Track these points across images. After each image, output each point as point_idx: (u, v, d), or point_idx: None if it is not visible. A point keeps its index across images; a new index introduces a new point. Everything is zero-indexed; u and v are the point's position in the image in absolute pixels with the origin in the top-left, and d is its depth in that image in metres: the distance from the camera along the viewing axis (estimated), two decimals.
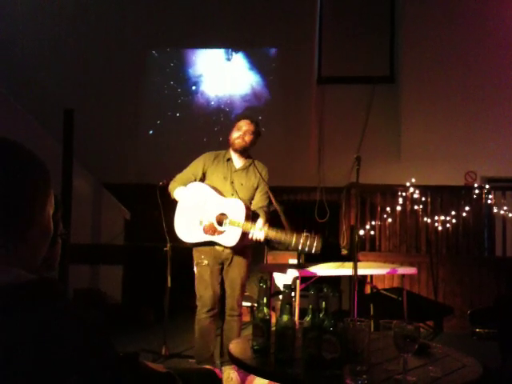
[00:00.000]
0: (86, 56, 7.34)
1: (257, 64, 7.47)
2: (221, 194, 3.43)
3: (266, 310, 2.04)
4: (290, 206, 7.02)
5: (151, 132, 7.46)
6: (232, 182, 3.45)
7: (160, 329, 4.32)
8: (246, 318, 5.87)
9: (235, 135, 3.50)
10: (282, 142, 7.12)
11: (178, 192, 3.48)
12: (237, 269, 3.45)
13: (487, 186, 6.18)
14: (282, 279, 4.26)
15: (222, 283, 3.53)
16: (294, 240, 3.06)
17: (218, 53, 7.56)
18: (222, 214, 3.33)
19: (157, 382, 1.46)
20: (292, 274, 4.06)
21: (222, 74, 7.51)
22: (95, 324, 0.85)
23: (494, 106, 6.92)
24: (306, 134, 7.28)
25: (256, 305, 2.20)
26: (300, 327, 2.04)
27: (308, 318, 1.90)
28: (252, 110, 7.37)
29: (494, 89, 6.93)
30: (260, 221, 3.31)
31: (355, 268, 3.66)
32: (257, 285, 2.16)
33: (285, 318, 1.93)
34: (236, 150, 3.50)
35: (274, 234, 3.17)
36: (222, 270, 3.49)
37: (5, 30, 7.16)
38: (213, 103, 7.46)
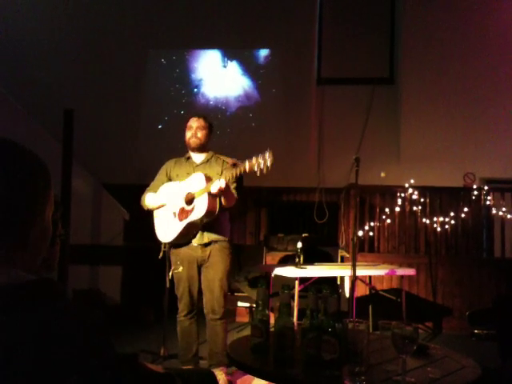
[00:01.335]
0: (86, 56, 7.34)
1: (256, 65, 7.48)
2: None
3: (264, 310, 2.04)
4: (289, 206, 7.04)
5: (151, 132, 7.46)
6: None
7: (159, 329, 4.32)
8: (245, 318, 5.88)
9: (188, 135, 3.56)
10: (281, 143, 7.12)
11: (148, 199, 3.57)
12: (213, 270, 3.41)
13: (486, 187, 6.19)
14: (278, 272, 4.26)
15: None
16: (247, 166, 3.07)
17: (218, 54, 7.56)
18: (188, 194, 3.37)
19: (156, 382, 1.47)
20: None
21: (222, 75, 7.51)
22: (95, 324, 0.85)
23: (493, 107, 6.93)
24: (305, 134, 7.28)
25: (254, 305, 2.20)
26: (299, 328, 2.04)
27: (307, 319, 1.90)
28: (252, 111, 7.38)
29: (493, 90, 6.93)
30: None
31: (354, 269, 3.67)
32: (255, 285, 2.17)
33: (283, 318, 1.93)
34: (193, 150, 3.56)
35: (229, 173, 3.18)
36: (200, 272, 3.48)
37: (5, 30, 7.16)
38: (212, 104, 7.46)
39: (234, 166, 3.34)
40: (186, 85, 7.55)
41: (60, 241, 1.17)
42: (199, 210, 3.26)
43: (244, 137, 7.17)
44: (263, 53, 7.50)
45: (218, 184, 3.16)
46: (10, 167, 0.91)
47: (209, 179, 3.31)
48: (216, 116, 7.38)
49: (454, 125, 6.94)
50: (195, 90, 7.54)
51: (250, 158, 3.08)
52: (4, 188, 0.89)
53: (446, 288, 5.84)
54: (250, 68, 7.49)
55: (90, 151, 6.81)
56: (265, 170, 3.00)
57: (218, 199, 3.29)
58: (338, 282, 5.38)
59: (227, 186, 3.19)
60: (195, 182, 3.34)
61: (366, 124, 7.06)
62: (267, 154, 2.98)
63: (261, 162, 3.00)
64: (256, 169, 3.01)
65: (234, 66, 7.52)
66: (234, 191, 3.37)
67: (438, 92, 7.02)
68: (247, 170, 3.07)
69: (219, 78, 7.51)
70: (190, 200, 3.34)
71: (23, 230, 0.91)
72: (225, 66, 7.54)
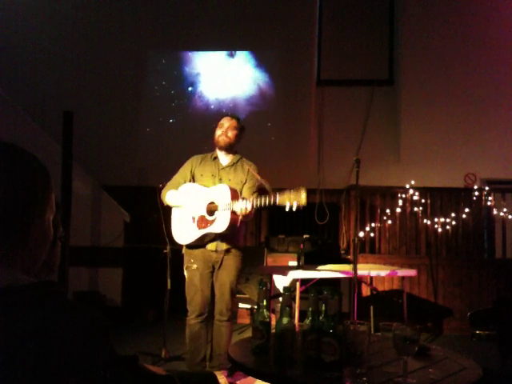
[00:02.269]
0: (85, 58, 7.34)
1: (256, 66, 7.48)
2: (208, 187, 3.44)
3: (265, 312, 2.03)
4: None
5: (151, 134, 7.46)
6: (220, 179, 3.44)
7: (160, 331, 4.32)
8: (246, 320, 5.87)
9: (218, 133, 3.52)
10: (281, 145, 7.13)
11: (169, 196, 3.49)
12: (226, 272, 3.40)
13: (487, 188, 6.19)
14: (281, 281, 4.25)
15: (212, 286, 3.48)
16: (278, 199, 2.97)
17: (218, 55, 7.56)
18: (211, 203, 3.32)
19: None
20: (291, 275, 4.06)
21: (222, 77, 7.51)
22: (96, 324, 0.85)
23: (493, 107, 6.93)
24: (305, 136, 7.28)
25: (256, 307, 2.20)
26: (300, 329, 2.04)
27: (308, 321, 1.90)
28: (251, 112, 7.38)
29: (493, 90, 6.93)
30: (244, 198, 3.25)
31: (355, 270, 3.66)
32: (257, 287, 2.16)
33: (284, 320, 1.93)
34: (221, 148, 3.51)
35: (259, 200, 3.10)
36: (213, 273, 3.46)
37: (5, 31, 7.17)
38: (212, 105, 7.46)
39: (264, 191, 3.24)
40: (186, 87, 7.56)
41: (60, 243, 1.17)
42: (221, 225, 3.24)
43: (243, 137, 7.16)
44: (263, 54, 7.51)
45: (244, 206, 3.12)
46: (10, 169, 0.91)
47: (234, 194, 3.27)
48: (215, 117, 7.38)
49: (454, 125, 6.94)
50: (196, 92, 7.54)
51: (282, 191, 2.97)
52: (4, 189, 0.89)
53: (447, 289, 5.84)
54: (249, 70, 7.49)
55: (90, 153, 6.81)
56: (294, 209, 2.91)
57: (239, 216, 3.26)
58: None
59: (252, 209, 3.15)
60: (220, 194, 3.29)
61: (365, 125, 7.06)
62: (301, 192, 2.89)
63: (293, 199, 2.90)
64: (286, 205, 2.92)
65: (233, 69, 7.52)
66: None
67: (437, 93, 7.03)
68: (277, 203, 2.98)
69: (219, 80, 7.50)
70: (211, 211, 3.31)
71: (23, 231, 0.91)
72: (226, 68, 7.53)
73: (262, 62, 7.49)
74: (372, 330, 4.18)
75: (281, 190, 3.02)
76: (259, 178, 3.40)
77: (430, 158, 6.85)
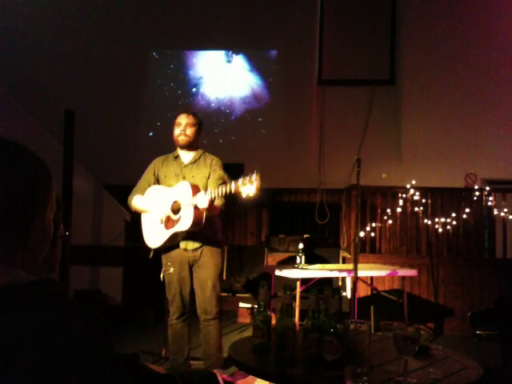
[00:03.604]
0: (86, 57, 7.35)
1: (257, 66, 7.48)
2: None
3: (266, 311, 2.04)
4: (290, 207, 7.04)
5: (151, 133, 7.46)
6: (184, 177, 3.42)
7: (160, 330, 4.32)
8: (247, 319, 5.87)
9: (177, 132, 3.48)
10: (282, 144, 7.13)
11: (136, 201, 3.49)
12: (205, 270, 3.37)
13: (487, 188, 6.18)
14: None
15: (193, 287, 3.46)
16: (233, 187, 2.94)
17: (219, 54, 7.56)
18: (175, 202, 3.30)
19: (157, 382, 1.46)
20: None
21: (223, 76, 7.51)
22: (95, 324, 0.85)
23: (494, 107, 6.92)
24: (306, 136, 7.28)
25: (256, 306, 2.20)
26: (300, 329, 2.04)
27: (308, 320, 1.90)
28: (252, 112, 7.38)
29: (494, 90, 6.93)
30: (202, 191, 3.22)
31: (355, 270, 3.66)
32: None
33: (285, 319, 1.93)
34: (182, 147, 3.48)
35: (216, 192, 3.07)
36: (191, 273, 3.44)
37: (5, 30, 7.17)
38: (213, 105, 7.46)
39: (224, 183, 3.25)
40: (187, 86, 7.55)
41: (61, 242, 1.16)
42: (185, 222, 3.21)
43: (245, 137, 7.17)
44: (264, 54, 7.50)
45: (203, 201, 3.09)
46: (11, 167, 0.91)
47: (196, 189, 3.23)
48: (216, 117, 7.39)
49: (455, 125, 6.94)
50: (197, 91, 7.54)
51: (236, 180, 2.96)
52: (4, 189, 0.89)
53: (448, 289, 5.83)
54: (251, 70, 7.49)
55: (91, 152, 6.81)
56: (251, 195, 2.87)
57: (202, 211, 3.23)
58: (340, 283, 5.38)
59: (211, 201, 3.12)
60: (182, 192, 3.27)
61: (366, 125, 7.06)
62: (254, 177, 2.86)
63: (247, 185, 2.87)
64: (242, 191, 2.89)
65: (234, 68, 7.52)
66: (221, 201, 3.28)
67: (438, 92, 7.02)
68: (233, 191, 2.95)
69: (220, 80, 7.51)
70: (176, 209, 3.29)
71: (23, 230, 0.91)
72: (227, 67, 7.53)
73: (262, 62, 7.48)
74: (372, 329, 4.18)
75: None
76: (218, 160, 3.42)
77: (431, 157, 6.84)
